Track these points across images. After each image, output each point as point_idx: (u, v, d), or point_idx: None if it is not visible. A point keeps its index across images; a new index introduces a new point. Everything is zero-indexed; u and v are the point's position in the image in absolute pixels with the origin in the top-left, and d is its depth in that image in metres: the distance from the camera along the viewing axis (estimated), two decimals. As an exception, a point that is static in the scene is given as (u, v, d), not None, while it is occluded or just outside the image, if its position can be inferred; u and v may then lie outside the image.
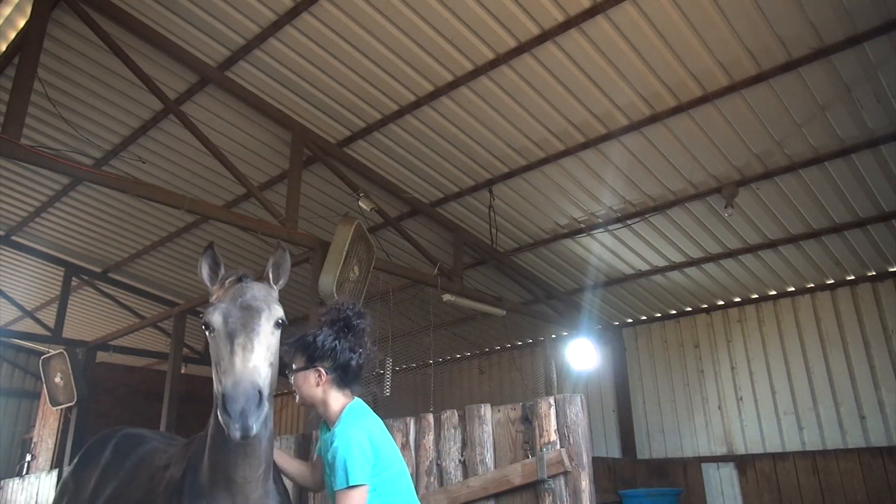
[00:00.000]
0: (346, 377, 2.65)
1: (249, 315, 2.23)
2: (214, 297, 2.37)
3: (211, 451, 2.32)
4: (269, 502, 2.40)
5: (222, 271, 2.45)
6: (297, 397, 2.66)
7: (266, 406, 2.08)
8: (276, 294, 2.44)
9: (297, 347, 2.66)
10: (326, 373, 2.61)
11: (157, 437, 3.11)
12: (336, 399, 2.64)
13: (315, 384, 2.61)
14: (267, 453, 2.37)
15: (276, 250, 2.54)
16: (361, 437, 2.49)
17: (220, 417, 2.03)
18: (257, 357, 2.13)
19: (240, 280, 2.38)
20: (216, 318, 2.24)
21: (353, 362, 2.64)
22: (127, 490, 2.68)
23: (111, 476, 2.80)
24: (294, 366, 2.64)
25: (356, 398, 2.70)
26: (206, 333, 2.28)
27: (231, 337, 2.17)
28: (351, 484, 2.39)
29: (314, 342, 2.63)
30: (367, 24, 5.33)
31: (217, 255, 2.48)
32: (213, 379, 2.20)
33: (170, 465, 2.55)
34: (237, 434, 1.99)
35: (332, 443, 2.49)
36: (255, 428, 2.00)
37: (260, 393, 2.04)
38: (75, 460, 3.17)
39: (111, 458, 2.92)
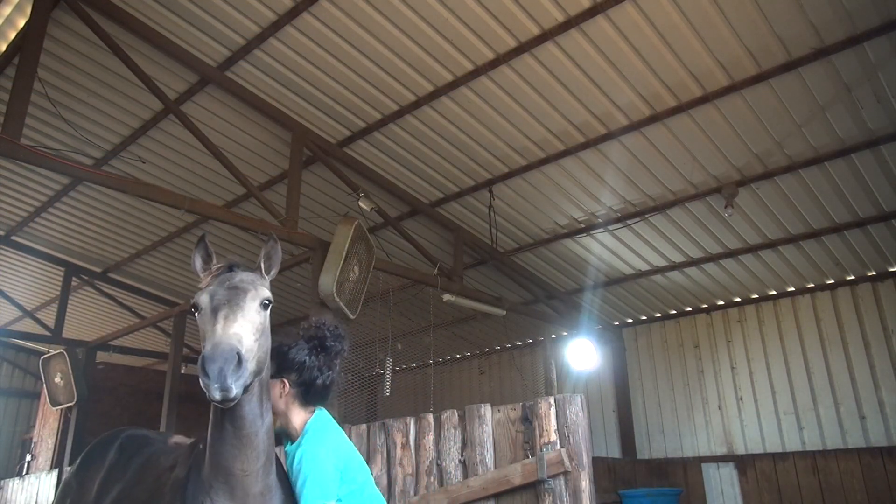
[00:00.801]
0: (308, 394, 2.61)
1: (235, 293, 2.24)
2: (203, 283, 2.38)
3: (210, 445, 2.32)
4: (272, 498, 2.38)
5: (214, 262, 2.46)
6: None
7: (246, 371, 2.03)
8: (266, 282, 2.43)
9: (272, 355, 2.61)
10: (290, 386, 2.59)
11: (162, 437, 3.10)
12: (297, 414, 2.62)
13: (278, 395, 2.59)
14: (266, 445, 2.34)
15: (267, 241, 2.52)
16: (327, 457, 2.48)
17: (201, 383, 2.00)
18: (239, 327, 2.13)
19: (230, 268, 2.39)
20: (203, 298, 2.25)
21: (319, 381, 2.61)
22: (133, 491, 2.66)
23: (116, 478, 2.79)
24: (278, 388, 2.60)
25: (319, 409, 2.67)
26: (196, 316, 2.27)
27: (215, 311, 2.18)
28: (327, 500, 2.39)
29: (286, 353, 2.62)
30: (367, 24, 5.33)
31: (209, 247, 2.48)
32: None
33: (175, 466, 2.55)
34: (217, 395, 1.96)
35: (297, 460, 2.48)
36: (234, 389, 1.97)
37: (239, 356, 2.00)
38: (78, 461, 3.14)
39: (116, 459, 2.90)
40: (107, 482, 2.80)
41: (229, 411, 2.25)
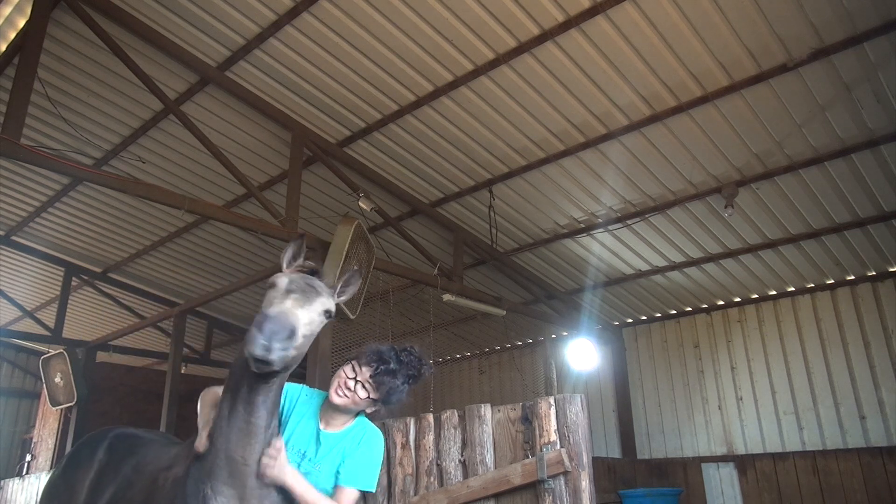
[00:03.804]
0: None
1: (310, 289, 2.37)
2: (286, 271, 2.51)
3: (219, 430, 2.37)
4: (268, 489, 2.42)
5: (301, 260, 2.58)
6: (342, 399, 2.66)
7: (291, 349, 2.13)
8: (333, 300, 2.55)
9: (394, 388, 2.69)
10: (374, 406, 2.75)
11: (153, 436, 3.04)
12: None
13: (365, 408, 2.74)
14: (270, 438, 2.42)
15: (353, 271, 2.66)
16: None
17: (248, 338, 2.06)
18: (303, 313, 2.26)
19: (313, 272, 2.52)
20: (282, 280, 2.38)
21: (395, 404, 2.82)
22: (128, 493, 2.64)
23: (108, 479, 2.75)
24: (371, 395, 2.68)
25: None
26: (267, 291, 2.38)
27: (289, 293, 2.31)
28: (372, 490, 2.64)
29: (397, 396, 2.72)
30: (367, 24, 5.33)
31: (304, 248, 2.61)
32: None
33: (173, 465, 2.54)
34: (258, 350, 2.02)
35: (361, 438, 2.68)
36: (275, 353, 2.04)
37: (293, 331, 2.12)
38: (64, 461, 3.07)
39: (107, 460, 2.85)
40: (98, 484, 2.76)
41: (250, 396, 2.34)
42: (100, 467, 2.84)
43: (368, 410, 2.75)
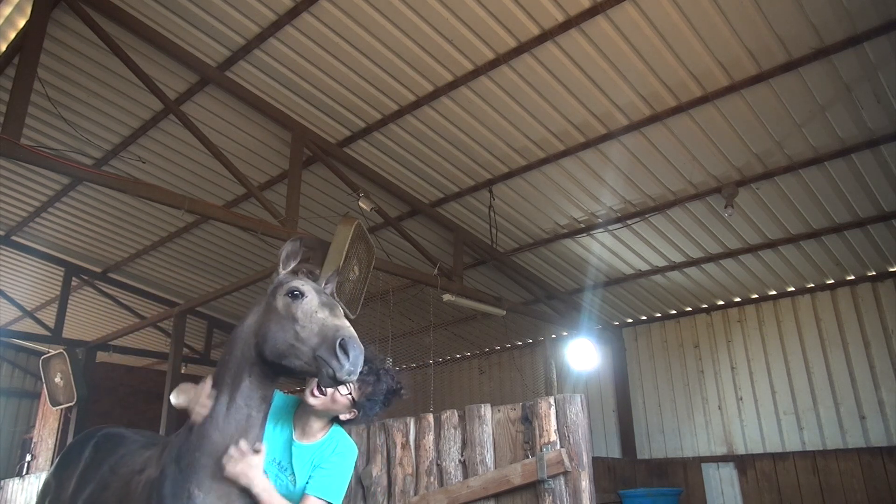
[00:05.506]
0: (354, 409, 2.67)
1: (336, 305, 2.39)
2: (287, 272, 2.48)
3: (209, 426, 2.32)
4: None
5: (295, 263, 2.54)
6: (319, 400, 2.55)
7: None
8: None
9: (376, 391, 2.62)
10: (356, 397, 2.61)
11: (138, 437, 3.02)
12: (327, 417, 2.64)
13: (342, 412, 2.60)
14: (262, 435, 2.40)
15: (332, 276, 2.65)
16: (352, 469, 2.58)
17: (325, 357, 2.12)
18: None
19: (311, 274, 2.52)
20: (308, 289, 2.36)
21: (368, 415, 2.71)
22: (102, 495, 2.62)
23: (90, 478, 2.77)
24: (353, 393, 2.56)
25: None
26: (287, 298, 2.32)
27: (331, 308, 2.32)
28: (335, 502, 2.45)
29: (376, 405, 2.63)
30: (367, 24, 5.33)
31: (301, 249, 2.57)
32: (287, 332, 2.25)
33: (146, 468, 2.50)
34: (345, 375, 2.10)
35: (335, 448, 2.53)
36: (357, 374, 2.18)
37: (363, 351, 2.22)
38: (57, 460, 3.12)
39: (91, 458, 2.88)
40: (81, 482, 2.79)
41: (252, 392, 2.34)
42: (84, 465, 2.86)
43: (344, 417, 2.60)
